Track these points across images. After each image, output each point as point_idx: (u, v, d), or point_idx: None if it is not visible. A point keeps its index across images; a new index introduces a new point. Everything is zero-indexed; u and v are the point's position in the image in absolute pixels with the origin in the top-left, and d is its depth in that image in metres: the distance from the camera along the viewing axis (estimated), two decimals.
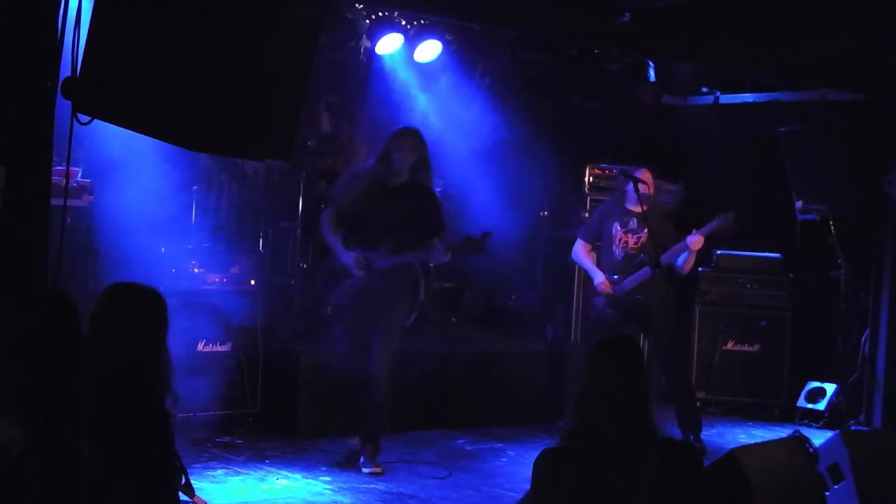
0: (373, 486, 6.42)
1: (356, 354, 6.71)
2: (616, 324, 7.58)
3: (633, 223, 7.64)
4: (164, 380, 3.53)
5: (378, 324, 6.62)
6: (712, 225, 7.46)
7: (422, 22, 7.97)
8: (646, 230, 7.49)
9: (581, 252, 7.85)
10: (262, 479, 6.48)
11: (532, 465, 3.26)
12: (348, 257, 6.65)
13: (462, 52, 8.51)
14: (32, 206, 4.81)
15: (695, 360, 9.26)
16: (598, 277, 7.63)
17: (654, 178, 7.60)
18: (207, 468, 6.59)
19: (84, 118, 4.56)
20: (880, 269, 8.63)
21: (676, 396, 7.63)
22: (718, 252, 9.40)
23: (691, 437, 7.44)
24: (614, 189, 8.00)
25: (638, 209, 7.52)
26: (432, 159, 6.77)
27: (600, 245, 7.86)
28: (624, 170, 7.79)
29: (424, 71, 8.79)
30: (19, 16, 4.70)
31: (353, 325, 6.76)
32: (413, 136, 6.71)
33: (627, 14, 7.15)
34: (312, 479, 6.51)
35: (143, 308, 3.59)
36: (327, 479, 6.42)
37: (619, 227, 7.68)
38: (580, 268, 8.47)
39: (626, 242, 7.63)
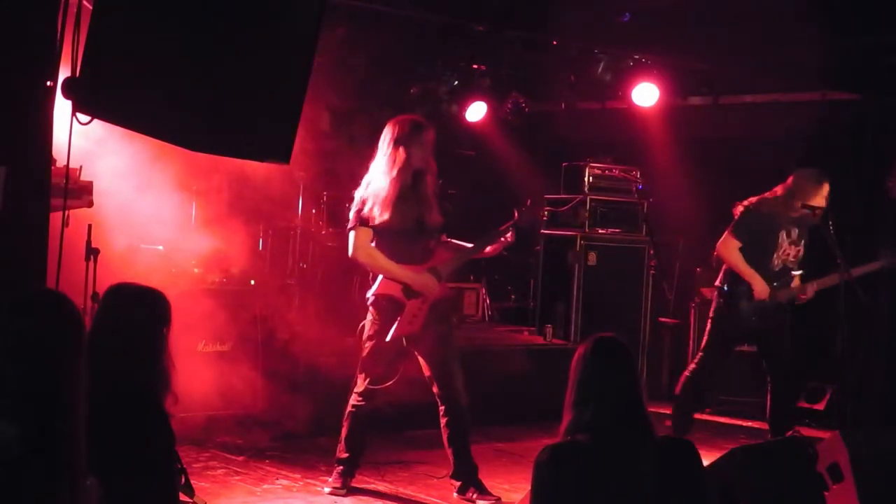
0: (372, 485, 6.43)
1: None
2: (752, 333, 7.29)
3: (796, 233, 7.17)
4: (164, 380, 3.54)
5: (454, 344, 6.35)
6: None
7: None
8: (803, 242, 7.19)
9: (736, 252, 7.10)
10: (262, 479, 6.49)
11: (530, 465, 3.26)
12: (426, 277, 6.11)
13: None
14: (32, 206, 4.82)
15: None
16: (760, 285, 7.04)
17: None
18: (207, 468, 6.60)
19: (84, 118, 4.56)
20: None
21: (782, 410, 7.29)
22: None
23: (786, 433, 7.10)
24: (788, 189, 7.11)
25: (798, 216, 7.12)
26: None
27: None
28: (818, 172, 7.08)
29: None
30: (19, 16, 4.71)
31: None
32: (430, 128, 6.08)
33: (627, 14, 7.16)
34: (312, 479, 6.51)
35: (145, 309, 3.60)
36: (327, 478, 6.41)
37: (785, 237, 7.15)
38: (576, 268, 8.39)
39: (788, 254, 7.18)
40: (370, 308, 6.18)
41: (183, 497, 3.66)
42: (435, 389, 6.20)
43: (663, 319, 9.79)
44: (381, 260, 6.04)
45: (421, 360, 6.22)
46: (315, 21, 4.52)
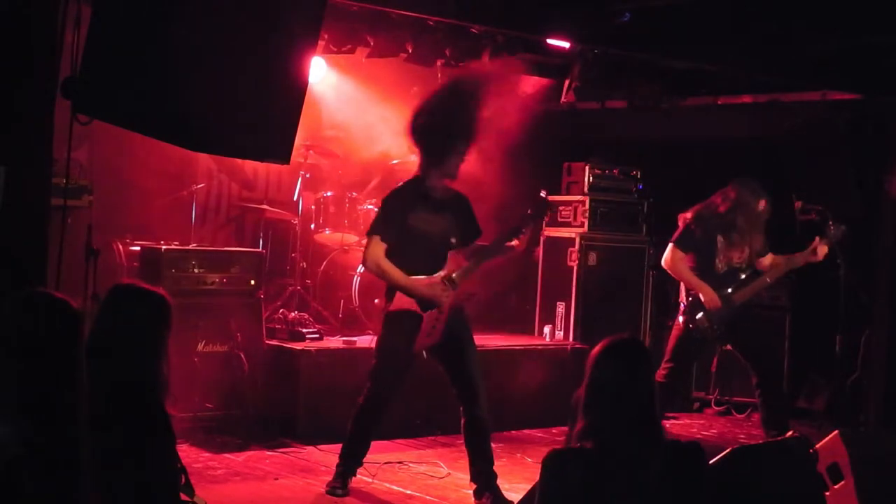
0: (373, 485, 6.43)
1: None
2: (716, 339, 7.44)
3: (736, 237, 7.25)
4: (164, 380, 3.54)
5: (473, 351, 6.28)
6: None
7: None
8: (748, 242, 7.26)
9: (682, 264, 7.23)
10: (261, 479, 6.48)
11: (530, 465, 3.26)
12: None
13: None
14: (32, 206, 4.82)
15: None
16: (709, 294, 7.13)
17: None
18: (207, 468, 6.60)
19: (84, 118, 4.56)
20: (881, 269, 8.64)
21: (773, 401, 7.35)
22: None
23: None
24: (730, 199, 7.24)
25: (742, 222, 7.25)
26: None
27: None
28: (760, 186, 7.28)
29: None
30: (19, 16, 4.71)
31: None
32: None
33: (628, 14, 7.16)
34: (312, 479, 6.51)
35: (146, 309, 3.60)
36: (327, 479, 6.41)
37: (723, 241, 7.23)
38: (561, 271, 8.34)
39: (731, 257, 7.24)
40: (386, 320, 6.16)
41: (183, 497, 3.66)
42: (456, 393, 6.19)
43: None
44: (392, 272, 6.03)
45: (441, 366, 6.22)
46: (316, 21, 4.53)
